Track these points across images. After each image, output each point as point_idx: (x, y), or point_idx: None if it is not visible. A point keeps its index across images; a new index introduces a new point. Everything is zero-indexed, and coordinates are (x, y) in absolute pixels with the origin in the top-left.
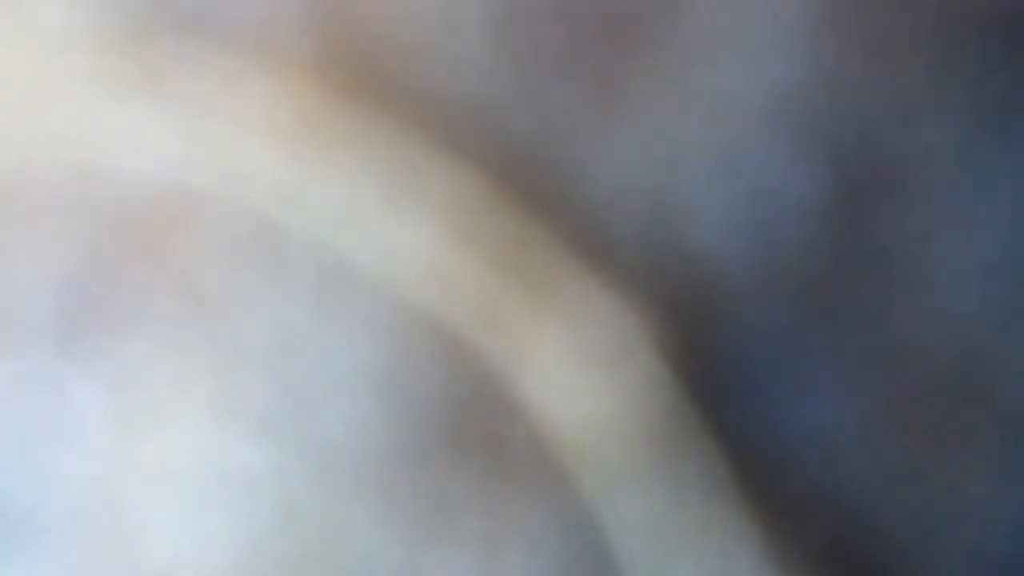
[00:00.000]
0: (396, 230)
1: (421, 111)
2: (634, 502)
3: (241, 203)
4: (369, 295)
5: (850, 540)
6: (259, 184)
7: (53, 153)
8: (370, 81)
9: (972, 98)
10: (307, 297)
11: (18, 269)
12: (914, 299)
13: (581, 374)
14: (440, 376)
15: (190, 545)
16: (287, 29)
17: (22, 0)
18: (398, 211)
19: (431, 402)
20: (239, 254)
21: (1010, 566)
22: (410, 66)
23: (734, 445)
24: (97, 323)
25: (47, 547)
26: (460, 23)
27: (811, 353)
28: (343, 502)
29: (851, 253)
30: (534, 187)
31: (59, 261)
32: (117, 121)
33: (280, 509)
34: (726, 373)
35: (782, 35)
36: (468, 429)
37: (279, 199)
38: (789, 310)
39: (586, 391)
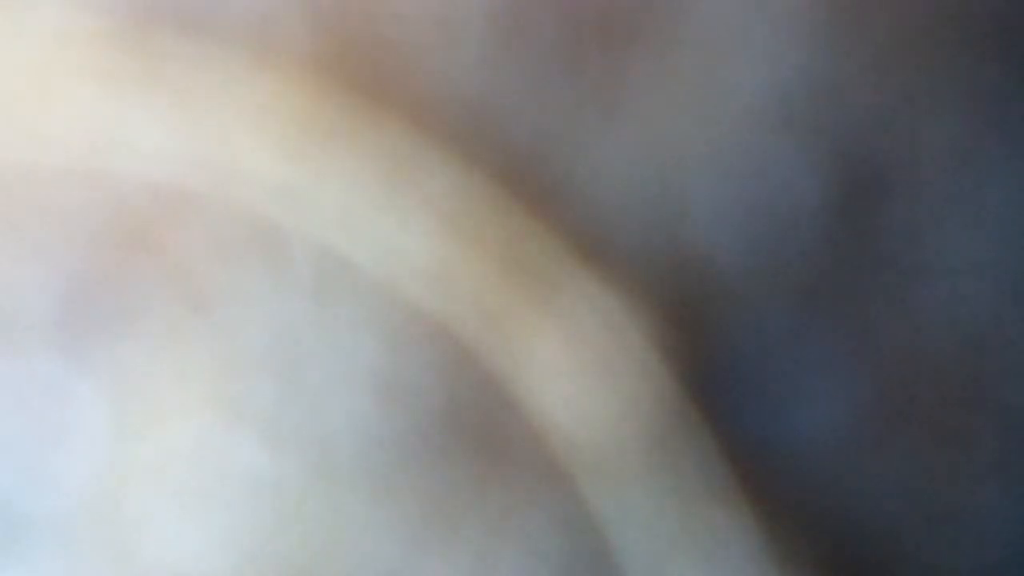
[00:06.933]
0: (396, 229)
1: (421, 110)
2: (633, 501)
3: (241, 202)
4: (369, 294)
5: (849, 539)
6: (259, 183)
7: (53, 152)
8: (370, 80)
9: (971, 98)
10: (307, 296)
11: (18, 269)
12: (913, 299)
13: (581, 374)
14: (440, 375)
15: (190, 545)
16: (286, 28)
17: (22, 0)
18: (398, 210)
19: (431, 401)
20: (239, 253)
21: (1010, 566)
22: (410, 65)
23: (734, 445)
24: (97, 323)
25: (47, 547)
26: (460, 23)
27: (811, 353)
28: (343, 501)
29: (851, 253)
30: (534, 187)
31: (59, 261)
32: (117, 120)
33: (280, 509)
34: (726, 373)
35: (782, 35)
36: (468, 428)
37: (279, 198)
38: (789, 310)
39: (586, 391)
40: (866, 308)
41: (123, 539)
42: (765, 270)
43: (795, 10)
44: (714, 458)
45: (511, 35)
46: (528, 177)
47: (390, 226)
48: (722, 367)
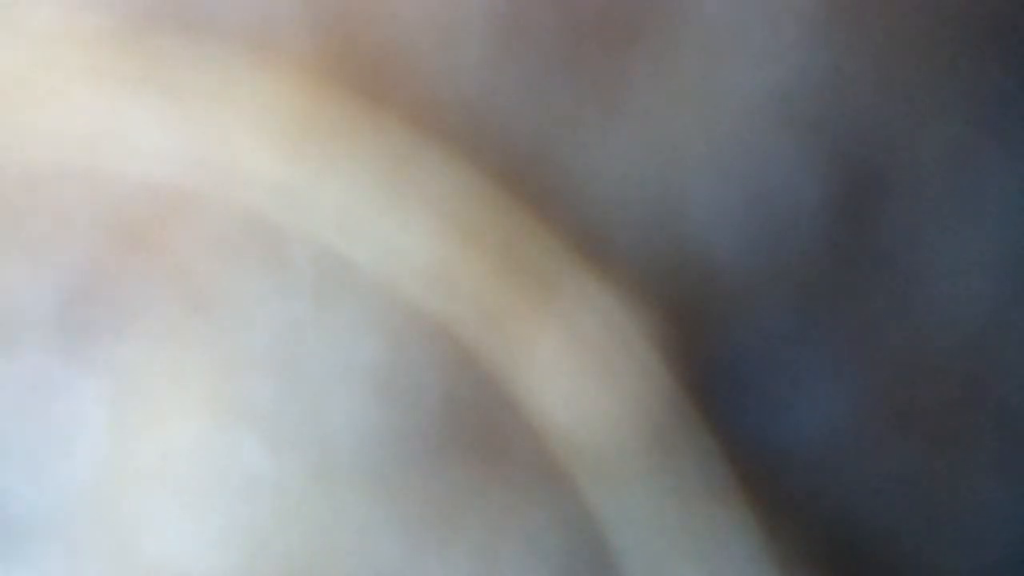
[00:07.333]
0: (396, 229)
1: (421, 111)
2: (633, 501)
3: (241, 202)
4: (369, 294)
5: (849, 539)
6: (259, 183)
7: (52, 153)
8: (369, 80)
9: (971, 98)
10: (307, 296)
11: (18, 269)
12: (913, 299)
13: (581, 374)
14: (440, 376)
15: (190, 545)
16: (286, 28)
17: (22, 0)
18: (398, 210)
19: (431, 401)
20: (238, 253)
21: (1010, 566)
22: (410, 65)
23: (733, 445)
24: (97, 323)
25: (47, 547)
26: (460, 23)
27: (811, 353)
28: (343, 501)
29: (851, 253)
30: (534, 187)
31: (59, 261)
32: (116, 120)
33: (280, 509)
34: (726, 373)
35: (782, 35)
36: (468, 428)
37: (279, 198)
38: (789, 310)
39: (586, 391)
40: (866, 308)
41: (123, 539)
42: (765, 270)
43: (795, 10)
44: (714, 458)
45: (511, 35)
46: (528, 177)
47: (390, 226)
48: (722, 367)
